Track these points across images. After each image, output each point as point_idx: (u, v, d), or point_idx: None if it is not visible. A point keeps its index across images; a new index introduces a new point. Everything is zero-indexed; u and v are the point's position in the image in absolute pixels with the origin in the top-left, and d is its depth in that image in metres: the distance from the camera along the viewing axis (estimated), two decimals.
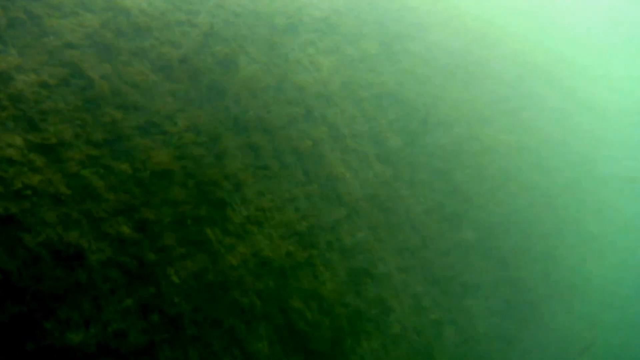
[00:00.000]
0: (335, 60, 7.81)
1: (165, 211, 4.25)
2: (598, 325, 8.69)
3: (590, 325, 8.58)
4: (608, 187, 11.33)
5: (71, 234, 3.57)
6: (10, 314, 3.11)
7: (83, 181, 3.92)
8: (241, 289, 4.31)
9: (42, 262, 3.34)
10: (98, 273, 3.55)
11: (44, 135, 3.93)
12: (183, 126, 5.01)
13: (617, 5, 14.84)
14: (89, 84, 4.50)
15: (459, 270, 6.97)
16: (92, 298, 3.42)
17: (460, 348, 6.42)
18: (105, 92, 4.58)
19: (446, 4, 12.23)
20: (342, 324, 4.96)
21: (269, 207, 5.21)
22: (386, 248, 6.25)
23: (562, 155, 10.86)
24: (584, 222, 10.04)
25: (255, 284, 4.47)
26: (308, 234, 5.36)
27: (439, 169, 8.05)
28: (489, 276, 7.25)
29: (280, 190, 5.47)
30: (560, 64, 13.04)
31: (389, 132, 7.65)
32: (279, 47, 7.02)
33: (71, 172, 3.90)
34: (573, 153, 11.21)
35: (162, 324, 3.67)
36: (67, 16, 4.86)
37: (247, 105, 5.86)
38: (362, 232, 6.05)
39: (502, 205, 8.56)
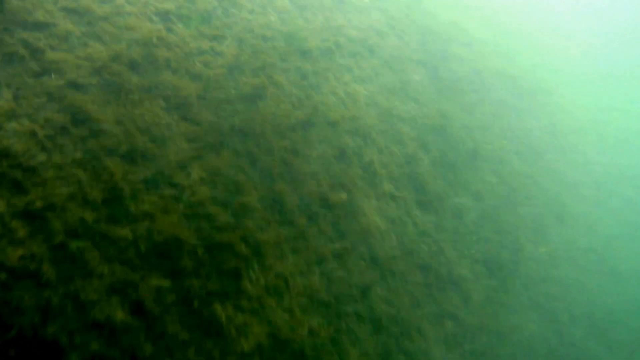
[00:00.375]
0: (374, 88, 7.21)
1: (168, 287, 3.73)
2: None
3: None
4: None
5: (50, 327, 3.08)
6: None
7: (73, 254, 3.42)
8: None
9: None
10: None
11: (31, 198, 3.45)
12: (197, 177, 4.50)
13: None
14: (90, 132, 4.02)
15: (507, 338, 6.27)
16: None
17: None
18: (109, 140, 4.09)
19: (498, 21, 11.50)
20: None
21: (291, 272, 4.65)
22: (424, 315, 5.61)
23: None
24: None
25: None
26: (335, 303, 4.78)
27: (487, 213, 7.36)
28: (543, 345, 6.52)
29: (305, 250, 4.91)
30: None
31: (432, 173, 7.01)
32: (312, 75, 6.47)
33: (59, 243, 3.41)
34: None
35: None
36: (74, 49, 4.41)
37: (272, 148, 5.32)
38: (397, 296, 5.43)
39: (559, 257, 7.79)
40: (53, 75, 4.07)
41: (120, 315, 3.41)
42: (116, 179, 3.95)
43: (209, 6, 6.04)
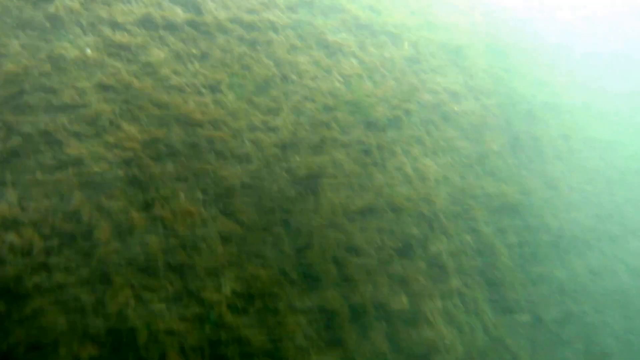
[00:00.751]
0: (446, 162, 6.17)
1: None
2: None
3: None
4: None
5: None
6: None
7: None
8: None
9: None
10: None
11: (15, 338, 2.72)
12: (229, 290, 3.65)
13: None
14: (104, 241, 3.28)
15: None
16: None
17: None
18: (126, 250, 3.33)
19: (588, 75, 10.12)
20: None
21: None
22: None
23: None
24: None
25: None
26: None
27: (572, 313, 6.08)
28: None
29: None
30: None
31: (508, 264, 5.84)
32: (376, 151, 5.54)
33: None
34: None
35: None
36: (102, 134, 3.72)
37: (325, 245, 4.41)
38: None
39: None
40: (70, 169, 3.38)
41: None
42: (129, 300, 3.17)
43: (267, 73, 5.28)
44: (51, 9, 4.04)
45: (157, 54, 4.55)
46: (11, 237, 2.97)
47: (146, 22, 4.78)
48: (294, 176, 4.64)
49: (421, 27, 7.92)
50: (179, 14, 5.11)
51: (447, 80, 7.25)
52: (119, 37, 4.42)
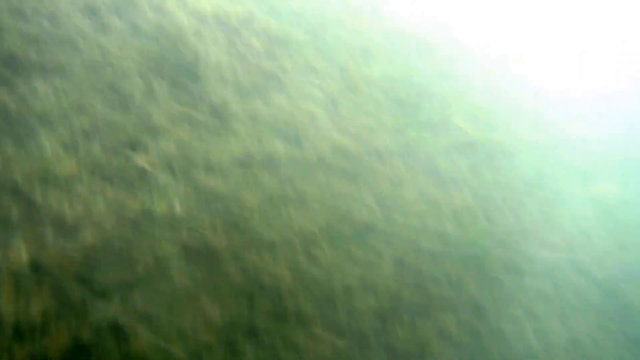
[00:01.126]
0: (576, 324, 5.10)
1: None
2: None
3: None
4: None
5: None
6: None
7: None
8: None
9: None
10: None
11: None
12: None
13: None
14: None
15: None
16: None
17: None
18: None
19: None
20: None
21: None
22: None
23: None
24: None
25: None
26: None
27: None
28: None
29: None
30: None
31: None
32: (491, 311, 4.64)
33: None
34: None
35: None
36: (178, 315, 3.22)
37: None
38: None
39: None
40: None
41: None
42: None
43: (369, 216, 4.65)
44: (143, 158, 3.71)
45: (250, 200, 4.09)
46: None
47: (242, 161, 4.38)
48: (393, 354, 3.87)
49: (544, 144, 7.01)
50: (278, 148, 4.68)
51: (575, 212, 6.22)
52: (212, 182, 4.02)
